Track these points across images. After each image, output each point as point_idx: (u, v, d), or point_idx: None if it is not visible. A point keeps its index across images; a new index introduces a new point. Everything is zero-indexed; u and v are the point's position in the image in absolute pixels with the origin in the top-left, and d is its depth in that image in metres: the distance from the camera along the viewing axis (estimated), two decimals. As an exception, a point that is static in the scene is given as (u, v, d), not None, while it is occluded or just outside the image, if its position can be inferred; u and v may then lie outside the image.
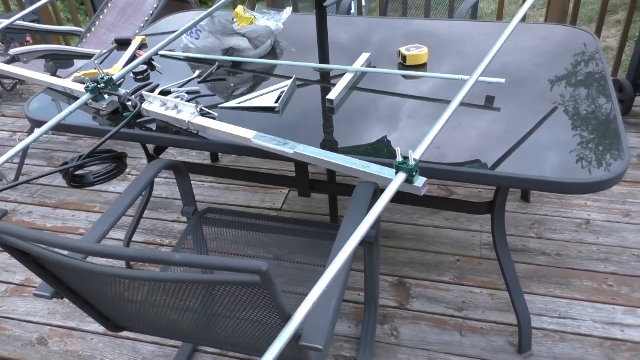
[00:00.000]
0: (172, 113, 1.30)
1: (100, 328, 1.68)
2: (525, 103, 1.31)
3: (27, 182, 1.15)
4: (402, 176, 0.93)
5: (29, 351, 1.64)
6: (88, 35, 2.83)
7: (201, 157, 2.54)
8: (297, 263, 1.44)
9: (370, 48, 1.67)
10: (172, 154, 2.55)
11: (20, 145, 1.27)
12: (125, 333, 1.66)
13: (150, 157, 1.81)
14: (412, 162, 0.92)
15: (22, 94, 3.34)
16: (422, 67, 1.55)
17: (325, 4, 1.47)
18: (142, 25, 2.66)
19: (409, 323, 1.63)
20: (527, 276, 1.76)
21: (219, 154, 2.47)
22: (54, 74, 2.36)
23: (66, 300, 0.99)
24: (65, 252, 0.79)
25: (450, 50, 1.63)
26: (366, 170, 1.00)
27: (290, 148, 1.10)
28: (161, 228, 2.10)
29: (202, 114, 1.33)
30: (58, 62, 2.32)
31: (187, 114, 1.29)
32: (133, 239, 2.03)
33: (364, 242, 1.37)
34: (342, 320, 1.66)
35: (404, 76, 1.50)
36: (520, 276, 1.76)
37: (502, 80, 1.36)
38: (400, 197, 1.49)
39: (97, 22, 2.73)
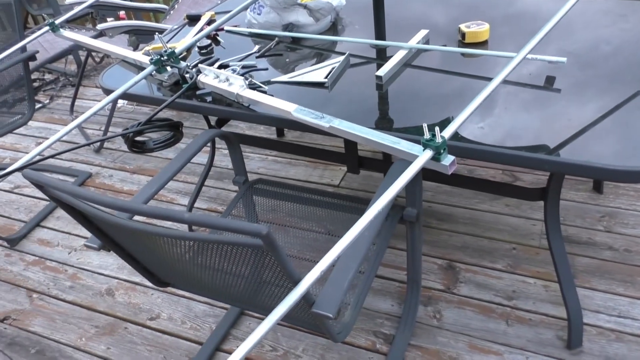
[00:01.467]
0: (223, 85, 1.36)
1: (161, 285, 1.82)
2: (590, 85, 1.23)
3: (81, 146, 1.26)
4: (428, 153, 0.92)
5: (98, 300, 1.81)
6: (172, 12, 2.99)
7: (268, 132, 2.61)
8: (348, 239, 1.46)
9: (431, 24, 1.62)
10: (242, 127, 2.65)
11: (88, 113, 1.38)
12: (181, 292, 1.78)
13: (212, 128, 1.90)
14: (439, 140, 0.91)
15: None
16: (482, 45, 1.49)
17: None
18: (219, 1, 2.76)
19: (453, 307, 1.61)
20: (588, 270, 1.66)
21: (285, 129, 2.53)
22: (136, 48, 2.53)
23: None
24: (101, 208, 0.86)
25: (515, 27, 1.54)
26: (395, 146, 0.99)
27: (326, 122, 1.11)
28: (224, 197, 2.21)
29: (252, 87, 1.38)
30: (140, 37, 2.48)
31: (236, 86, 1.34)
32: (197, 205, 2.15)
33: (406, 222, 1.36)
34: (386, 298, 1.67)
35: (463, 54, 1.45)
36: (581, 270, 1.66)
37: (564, 59, 1.28)
38: (446, 179, 1.46)
39: (179, 0, 2.87)
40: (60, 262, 2.00)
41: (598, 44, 1.39)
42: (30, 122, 2.71)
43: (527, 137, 1.09)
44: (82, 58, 3.21)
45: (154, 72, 1.51)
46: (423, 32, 1.55)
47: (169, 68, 1.51)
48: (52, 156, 1.32)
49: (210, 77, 1.40)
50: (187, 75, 1.46)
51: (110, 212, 0.89)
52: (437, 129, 0.91)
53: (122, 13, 3.51)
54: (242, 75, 1.46)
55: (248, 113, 1.32)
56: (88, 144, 1.33)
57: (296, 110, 1.18)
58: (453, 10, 1.72)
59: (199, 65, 1.45)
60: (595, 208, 1.89)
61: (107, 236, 1.04)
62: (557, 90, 1.24)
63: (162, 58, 1.49)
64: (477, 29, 1.49)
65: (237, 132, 2.41)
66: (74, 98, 3.02)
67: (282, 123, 1.25)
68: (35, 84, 3.50)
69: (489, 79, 1.31)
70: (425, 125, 0.92)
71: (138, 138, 1.44)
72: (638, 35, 1.40)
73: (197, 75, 1.43)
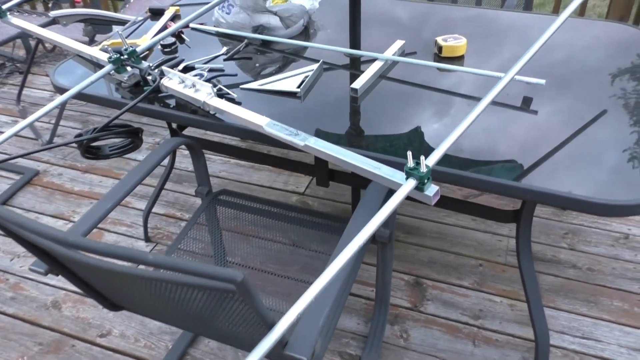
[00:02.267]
0: (189, 92, 1.26)
1: (113, 297, 1.70)
2: (567, 108, 1.20)
3: (33, 152, 1.14)
4: (412, 183, 0.86)
5: (43, 313, 1.68)
6: (132, 1, 2.83)
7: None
8: (313, 251, 1.40)
9: (407, 35, 1.57)
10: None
11: (39, 113, 1.26)
12: (135, 305, 1.67)
13: (173, 132, 1.79)
14: (423, 169, 0.85)
15: (67, 54, 3.39)
16: (459, 59, 1.45)
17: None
18: (183, -6, 2.63)
19: (420, 326, 1.57)
20: (553, 289, 1.66)
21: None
22: (92, 38, 2.37)
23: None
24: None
25: (492, 44, 1.51)
26: (376, 172, 0.93)
27: (301, 140, 1.04)
28: (183, 202, 2.10)
29: (220, 94, 1.29)
30: (97, 27, 2.33)
31: (203, 93, 1.24)
32: (154, 210, 2.04)
33: (377, 242, 1.31)
34: (352, 316, 1.62)
35: (438, 69, 1.41)
36: (546, 289, 1.66)
37: (542, 81, 1.25)
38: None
39: (140, -12, 2.72)
40: (1, 269, 1.84)
41: (575, 65, 1.37)
42: (-29, 112, 2.52)
43: (503, 160, 1.06)
44: (33, 43, 3.00)
45: (113, 71, 1.39)
46: (399, 43, 1.50)
47: (129, 68, 1.40)
48: (2, 162, 1.19)
49: (174, 82, 1.30)
50: (149, 77, 1.36)
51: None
52: (422, 158, 0.86)
53: (77, -3, 3.30)
54: (210, 80, 1.37)
55: (215, 123, 1.24)
56: (40, 150, 1.20)
57: (268, 124, 1.11)
58: (429, 21, 1.68)
59: (163, 67, 1.35)
60: (559, 225, 1.90)
61: (54, 259, 0.93)
62: (534, 112, 1.22)
63: (121, 57, 1.37)
64: (455, 43, 1.45)
65: (199, 137, 2.29)
66: (22, 86, 2.82)
67: (252, 136, 1.17)
68: (-21, 69, 3.26)
69: (467, 96, 1.27)
70: (409, 153, 0.86)
71: (93, 143, 1.32)
72: (610, 57, 1.39)
73: (160, 78, 1.32)
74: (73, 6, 3.32)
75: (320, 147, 1.02)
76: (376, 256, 1.37)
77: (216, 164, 2.29)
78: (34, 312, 1.68)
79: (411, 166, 0.86)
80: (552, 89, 1.27)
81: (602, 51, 1.43)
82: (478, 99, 1.26)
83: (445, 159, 1.06)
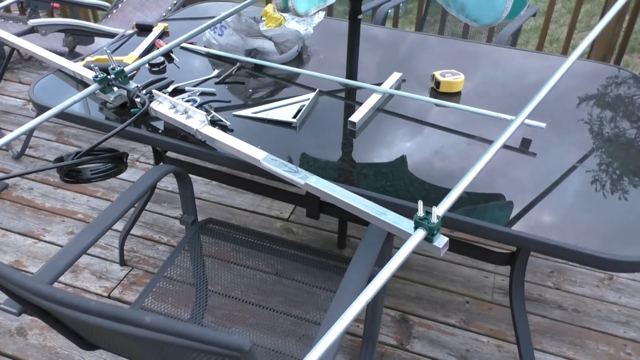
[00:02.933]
0: (181, 118, 1.20)
1: (83, 326, 1.60)
2: (566, 152, 1.19)
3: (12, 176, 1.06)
4: (421, 234, 0.82)
5: (7, 341, 1.56)
6: (114, 11, 2.75)
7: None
8: (297, 282, 1.35)
9: (403, 67, 1.55)
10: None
11: (18, 132, 1.18)
12: (107, 336, 1.57)
13: (157, 153, 1.72)
14: (434, 220, 0.81)
15: (44, 63, 3.27)
16: (456, 95, 1.44)
17: (359, 16, 1.35)
18: (169, 8, 2.57)
19: (406, 366, 1.53)
20: (539, 330, 1.64)
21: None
22: (72, 49, 2.28)
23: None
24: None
25: (487, 80, 1.50)
26: (382, 218, 0.89)
27: (301, 178, 0.99)
28: (161, 224, 2.01)
29: (213, 120, 1.23)
30: (78, 37, 2.24)
31: (196, 121, 1.19)
32: (131, 232, 1.95)
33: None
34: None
35: (436, 104, 1.38)
36: (533, 329, 1.64)
37: (543, 124, 1.24)
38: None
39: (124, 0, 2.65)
40: (-37, 291, 1.73)
41: (568, 107, 1.36)
42: (-63, 119, 2.38)
43: (503, 206, 1.03)
44: (7, 49, 2.88)
45: (98, 90, 1.32)
46: (396, 75, 1.47)
47: (115, 88, 1.33)
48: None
49: (165, 106, 1.24)
50: (137, 100, 1.29)
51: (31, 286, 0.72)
52: (434, 208, 0.82)
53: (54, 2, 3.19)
54: (202, 105, 1.31)
55: (209, 152, 1.18)
56: (23, 174, 1.12)
57: (265, 159, 1.05)
58: (424, 53, 1.66)
59: (153, 90, 1.28)
60: (544, 262, 1.89)
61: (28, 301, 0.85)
62: (532, 154, 1.20)
63: (108, 76, 1.31)
64: (453, 79, 1.43)
65: (182, 160, 2.23)
66: (-7, 93, 2.70)
67: (248, 168, 1.11)
68: (-53, 72, 3.10)
69: (466, 134, 1.25)
70: (420, 203, 0.82)
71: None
72: (606, 100, 1.39)
73: (150, 101, 1.26)
74: (51, 13, 3.22)
75: (321, 187, 0.97)
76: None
77: (198, 184, 2.22)
78: (-3, 340, 1.58)
79: (421, 216, 0.82)
80: (549, 131, 1.26)
81: (598, 93, 1.43)
82: (475, 137, 1.24)
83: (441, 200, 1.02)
